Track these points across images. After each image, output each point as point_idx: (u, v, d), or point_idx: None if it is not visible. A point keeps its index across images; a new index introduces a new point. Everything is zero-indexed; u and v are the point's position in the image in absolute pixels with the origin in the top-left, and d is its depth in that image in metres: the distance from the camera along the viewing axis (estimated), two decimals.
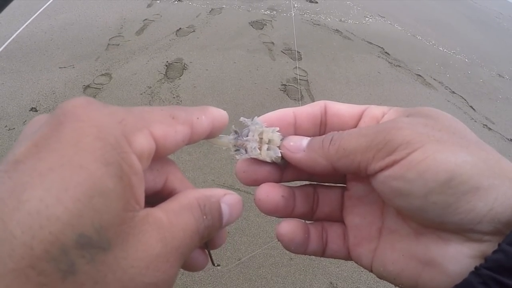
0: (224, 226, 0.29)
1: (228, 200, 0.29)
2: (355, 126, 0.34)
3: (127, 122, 0.22)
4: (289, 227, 0.34)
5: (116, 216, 0.20)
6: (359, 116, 0.34)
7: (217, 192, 0.29)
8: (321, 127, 0.36)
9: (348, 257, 0.36)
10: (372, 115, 0.34)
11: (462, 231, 0.26)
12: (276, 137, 0.34)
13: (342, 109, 0.35)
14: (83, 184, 0.18)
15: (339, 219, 0.37)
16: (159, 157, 0.26)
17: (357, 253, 0.34)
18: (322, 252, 0.36)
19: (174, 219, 0.24)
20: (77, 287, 0.18)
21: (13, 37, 2.26)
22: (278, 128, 0.34)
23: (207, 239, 0.27)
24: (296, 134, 0.36)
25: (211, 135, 0.31)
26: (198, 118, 0.28)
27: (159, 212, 0.24)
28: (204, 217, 0.26)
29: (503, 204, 0.24)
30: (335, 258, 0.36)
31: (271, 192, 0.34)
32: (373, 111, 0.34)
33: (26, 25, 2.91)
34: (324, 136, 0.32)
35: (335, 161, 0.30)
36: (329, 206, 0.37)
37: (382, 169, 0.27)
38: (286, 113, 0.35)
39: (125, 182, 0.21)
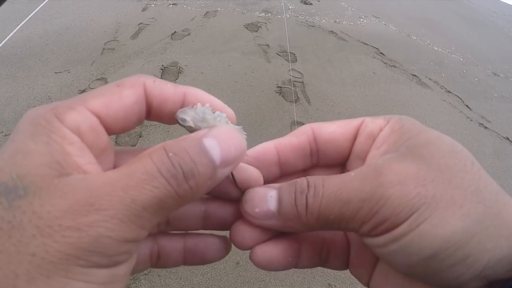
0: (225, 162, 0.24)
1: (213, 132, 0.24)
2: (351, 148, 0.32)
3: (60, 106, 0.23)
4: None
5: (34, 167, 0.20)
6: (354, 134, 0.31)
7: (196, 133, 0.25)
8: (313, 158, 0.33)
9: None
10: (368, 132, 0.30)
11: None
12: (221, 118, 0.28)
13: (334, 132, 0.31)
14: (9, 149, 0.21)
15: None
16: (116, 127, 0.26)
17: (357, 272, 0.33)
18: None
19: (123, 168, 0.22)
20: None
21: (5, 40, 2.26)
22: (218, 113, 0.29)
23: (198, 179, 0.23)
24: (282, 172, 0.32)
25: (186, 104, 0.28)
26: (154, 81, 0.27)
27: (107, 172, 0.22)
28: (171, 154, 0.22)
29: (494, 267, 0.23)
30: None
31: (273, 260, 0.31)
32: (370, 126, 0.30)
33: (21, 29, 2.91)
34: (294, 191, 0.27)
35: (317, 228, 0.27)
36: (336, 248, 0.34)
37: (368, 236, 0.26)
38: (265, 151, 0.32)
39: (54, 147, 0.22)
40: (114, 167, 0.27)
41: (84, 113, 0.24)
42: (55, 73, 2.62)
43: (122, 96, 0.25)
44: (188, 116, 0.27)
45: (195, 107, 0.28)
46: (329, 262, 0.33)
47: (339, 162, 0.33)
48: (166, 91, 0.27)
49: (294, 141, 0.32)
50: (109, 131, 0.26)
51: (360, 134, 0.31)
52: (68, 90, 2.46)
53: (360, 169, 0.27)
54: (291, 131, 0.33)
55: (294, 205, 0.27)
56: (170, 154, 0.22)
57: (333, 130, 0.31)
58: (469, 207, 0.23)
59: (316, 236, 0.33)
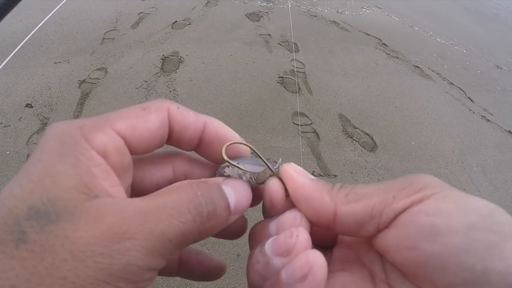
0: (236, 211, 0.27)
1: (229, 182, 0.27)
2: None
3: (87, 125, 0.24)
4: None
5: (64, 191, 0.21)
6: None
7: (215, 178, 0.28)
8: None
9: None
10: None
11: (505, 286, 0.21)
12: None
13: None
14: (38, 169, 0.22)
15: None
16: (139, 148, 0.27)
17: None
18: None
19: (151, 199, 0.24)
20: (28, 254, 0.19)
21: (29, 35, 2.24)
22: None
23: (216, 221, 0.25)
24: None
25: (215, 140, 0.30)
26: (178, 108, 0.29)
27: (133, 199, 0.24)
28: (199, 193, 0.24)
29: None
30: None
31: None
32: None
33: (20, 20, 2.88)
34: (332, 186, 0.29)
35: (341, 204, 0.27)
36: None
37: (407, 207, 0.24)
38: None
39: (82, 170, 0.22)
40: (133, 179, 0.29)
41: (111, 135, 0.25)
42: (55, 63, 2.60)
43: (148, 120, 0.27)
44: (232, 172, 0.29)
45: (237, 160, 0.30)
46: None
47: None
48: (188, 118, 0.29)
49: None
50: (132, 151, 0.27)
51: None
52: (68, 80, 2.44)
53: None
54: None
55: (332, 187, 0.29)
56: (199, 193, 0.24)
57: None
58: None
59: None
